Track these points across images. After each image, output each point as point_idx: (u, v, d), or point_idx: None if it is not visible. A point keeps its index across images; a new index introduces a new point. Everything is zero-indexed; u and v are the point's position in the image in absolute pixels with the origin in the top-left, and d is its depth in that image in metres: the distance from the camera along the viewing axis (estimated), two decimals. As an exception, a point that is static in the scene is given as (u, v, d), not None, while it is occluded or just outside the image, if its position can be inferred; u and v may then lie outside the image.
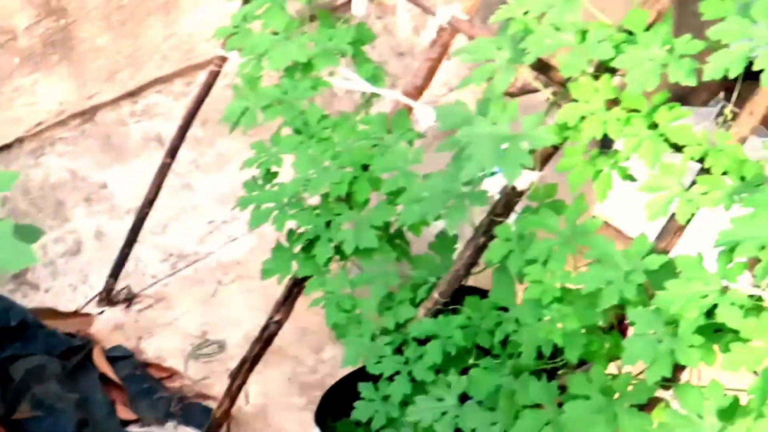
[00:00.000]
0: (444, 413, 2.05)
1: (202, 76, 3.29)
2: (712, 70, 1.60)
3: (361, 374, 2.25)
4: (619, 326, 1.89)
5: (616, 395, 1.76)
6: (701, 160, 1.70)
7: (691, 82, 1.65)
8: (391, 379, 2.17)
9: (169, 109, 3.71)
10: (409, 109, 2.33)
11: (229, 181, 3.62)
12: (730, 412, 1.58)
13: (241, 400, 2.87)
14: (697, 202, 1.67)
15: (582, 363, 1.89)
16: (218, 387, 3.05)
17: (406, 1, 2.32)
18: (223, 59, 2.88)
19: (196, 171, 3.74)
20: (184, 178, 3.70)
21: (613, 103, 1.80)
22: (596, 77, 1.81)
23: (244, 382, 2.75)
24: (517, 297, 2.07)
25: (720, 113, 2.80)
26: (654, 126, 1.74)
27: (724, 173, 1.67)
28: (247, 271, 3.47)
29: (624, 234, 3.18)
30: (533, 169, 1.94)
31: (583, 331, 1.86)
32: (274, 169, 2.47)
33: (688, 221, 1.71)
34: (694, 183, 1.70)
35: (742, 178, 1.64)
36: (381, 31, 3.93)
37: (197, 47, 3.65)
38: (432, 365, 2.12)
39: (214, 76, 2.96)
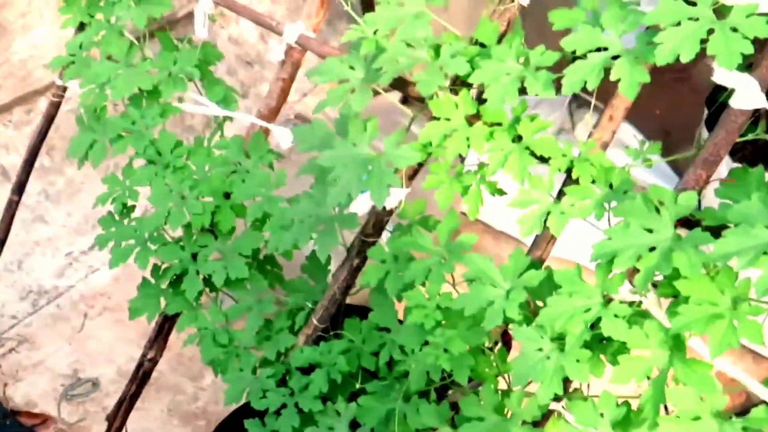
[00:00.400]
0: (336, 443, 2.00)
1: (43, 103, 3.13)
2: (571, 84, 1.57)
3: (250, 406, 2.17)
4: (503, 339, 1.87)
5: (509, 413, 1.73)
6: (568, 171, 1.68)
7: (550, 94, 1.62)
8: (278, 413, 2.10)
9: (11, 139, 3.52)
10: (266, 131, 2.26)
11: (84, 210, 3.47)
12: (625, 423, 1.57)
13: (122, 441, 2.76)
14: (569, 213, 1.64)
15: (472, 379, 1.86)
16: (96, 428, 2.95)
17: (250, 21, 2.23)
18: (63, 89, 2.73)
19: (46, 202, 3.57)
20: (35, 210, 3.53)
21: (475, 117, 1.76)
22: (455, 91, 1.77)
23: (123, 424, 2.64)
24: (399, 314, 2.03)
25: (572, 101, 2.82)
26: (518, 138, 1.71)
27: (592, 182, 1.65)
28: (113, 303, 3.34)
29: (493, 229, 3.16)
30: (401, 186, 1.89)
31: (468, 348, 1.82)
32: (130, 203, 2.37)
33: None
34: (561, 193, 1.68)
35: (611, 186, 1.62)
36: (226, 41, 3.82)
37: (34, 72, 3.47)
38: (318, 394, 2.06)
39: (55, 107, 2.81)
